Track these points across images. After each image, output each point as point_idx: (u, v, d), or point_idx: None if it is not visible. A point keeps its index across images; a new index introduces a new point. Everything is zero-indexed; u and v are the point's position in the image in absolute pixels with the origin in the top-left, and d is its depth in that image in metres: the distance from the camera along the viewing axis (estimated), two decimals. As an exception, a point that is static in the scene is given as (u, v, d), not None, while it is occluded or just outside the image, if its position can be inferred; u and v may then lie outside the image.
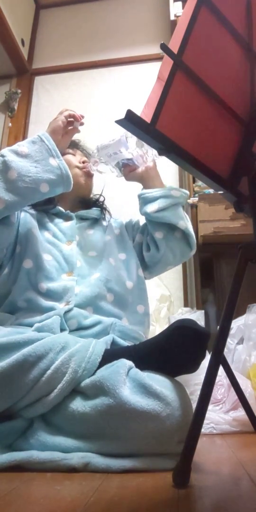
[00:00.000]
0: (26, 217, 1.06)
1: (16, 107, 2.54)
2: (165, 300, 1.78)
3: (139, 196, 1.12)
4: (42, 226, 1.08)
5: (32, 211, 1.09)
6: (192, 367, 0.79)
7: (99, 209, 1.20)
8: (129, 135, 1.00)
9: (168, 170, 2.20)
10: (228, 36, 0.64)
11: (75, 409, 0.69)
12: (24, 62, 2.58)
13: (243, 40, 0.65)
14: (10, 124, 2.51)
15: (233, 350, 1.30)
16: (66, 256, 1.01)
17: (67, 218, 1.12)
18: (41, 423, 0.71)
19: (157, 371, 0.76)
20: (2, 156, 0.92)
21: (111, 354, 0.78)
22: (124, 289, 1.03)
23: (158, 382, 0.71)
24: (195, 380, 1.10)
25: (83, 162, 1.16)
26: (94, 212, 1.18)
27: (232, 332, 1.31)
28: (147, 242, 1.13)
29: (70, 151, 1.17)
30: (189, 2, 0.59)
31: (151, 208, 1.06)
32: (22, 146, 0.95)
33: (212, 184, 0.65)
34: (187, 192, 1.12)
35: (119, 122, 0.53)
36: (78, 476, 0.62)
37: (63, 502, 0.50)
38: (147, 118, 0.54)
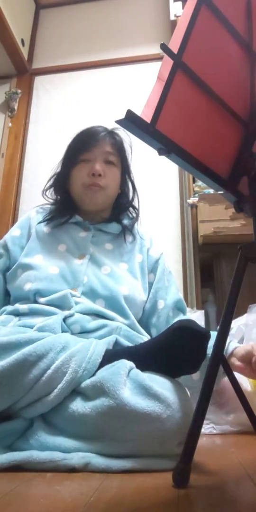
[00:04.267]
0: (31, 243, 1.04)
1: (16, 107, 2.54)
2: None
3: None
4: (55, 239, 1.05)
5: (46, 228, 1.07)
6: (192, 367, 0.79)
7: (120, 225, 1.12)
8: None
9: (168, 170, 2.21)
10: (228, 36, 0.64)
11: (75, 410, 0.69)
12: (24, 62, 2.58)
13: (243, 40, 0.65)
14: (10, 124, 2.51)
15: (233, 350, 1.30)
16: (74, 272, 0.98)
17: (85, 228, 1.09)
18: (41, 423, 0.71)
19: (158, 371, 0.75)
20: None
21: (112, 355, 0.78)
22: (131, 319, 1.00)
23: (159, 383, 0.71)
24: (195, 380, 1.10)
25: (93, 174, 1.05)
26: (113, 227, 1.12)
27: (232, 332, 1.31)
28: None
29: (85, 156, 1.07)
30: (189, 2, 0.59)
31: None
32: None
33: (212, 184, 0.65)
34: None
35: (119, 122, 0.53)
36: (78, 476, 0.62)
37: (63, 502, 0.50)
38: (147, 118, 0.54)
